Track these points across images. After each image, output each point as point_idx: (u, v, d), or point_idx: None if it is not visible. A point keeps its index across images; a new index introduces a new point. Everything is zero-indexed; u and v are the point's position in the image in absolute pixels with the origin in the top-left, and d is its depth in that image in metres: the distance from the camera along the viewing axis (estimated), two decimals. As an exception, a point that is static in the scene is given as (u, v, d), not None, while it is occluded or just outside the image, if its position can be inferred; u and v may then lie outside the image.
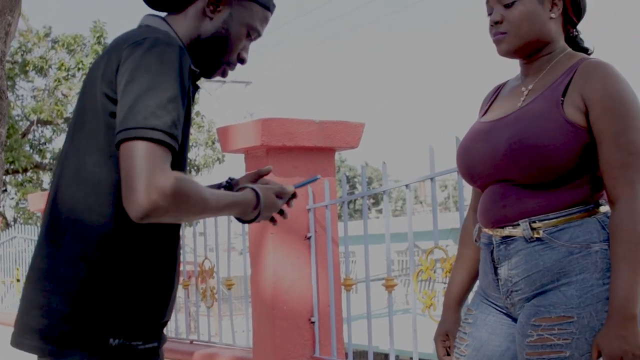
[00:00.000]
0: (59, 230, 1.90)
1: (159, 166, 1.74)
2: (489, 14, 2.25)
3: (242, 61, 2.13)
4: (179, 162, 1.91)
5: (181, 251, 2.10)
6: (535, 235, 2.09)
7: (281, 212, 2.21)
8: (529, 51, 2.22)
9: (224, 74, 2.13)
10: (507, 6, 2.19)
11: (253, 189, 2.06)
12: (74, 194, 1.89)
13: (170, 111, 1.77)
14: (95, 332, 1.86)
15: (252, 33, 2.09)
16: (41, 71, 21.39)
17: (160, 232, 1.94)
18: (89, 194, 1.87)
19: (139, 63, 1.81)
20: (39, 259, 1.94)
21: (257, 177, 2.27)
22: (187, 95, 1.88)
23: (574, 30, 2.29)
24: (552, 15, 2.20)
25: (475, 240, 2.32)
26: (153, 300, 1.95)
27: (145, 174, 1.72)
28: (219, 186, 2.26)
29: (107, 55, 1.90)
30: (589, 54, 2.28)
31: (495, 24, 2.22)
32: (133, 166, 1.73)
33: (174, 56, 1.83)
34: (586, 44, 2.31)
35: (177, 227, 2.02)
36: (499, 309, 2.24)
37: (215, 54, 2.07)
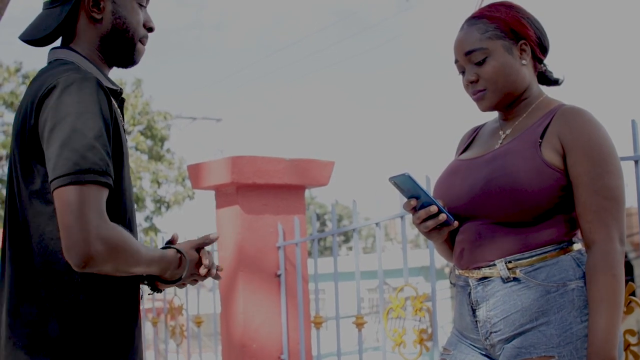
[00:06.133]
0: (32, 281, 1.89)
1: (98, 213, 1.77)
2: (461, 73, 2.28)
3: (150, 30, 2.15)
4: (118, 194, 1.93)
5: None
6: (512, 275, 2.10)
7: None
8: (509, 101, 2.25)
9: (143, 51, 2.15)
10: (479, 63, 2.21)
11: (176, 249, 2.04)
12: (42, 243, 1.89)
13: (99, 149, 1.79)
14: None
15: (142, 1, 2.12)
16: (11, 106, 21.30)
17: (125, 278, 1.96)
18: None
19: (58, 107, 1.82)
20: (13, 310, 1.91)
21: (203, 243, 2.12)
22: (113, 124, 1.90)
23: (542, 65, 2.32)
24: (523, 62, 2.23)
25: (451, 283, 2.32)
26: (123, 339, 1.94)
27: (85, 222, 1.74)
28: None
29: (25, 106, 1.91)
30: (560, 84, 2.33)
31: (471, 83, 2.24)
32: (71, 214, 1.75)
33: (91, 90, 1.85)
34: (555, 75, 2.34)
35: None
36: (478, 349, 2.24)
37: (125, 41, 2.08)
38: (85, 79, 1.86)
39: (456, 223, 2.21)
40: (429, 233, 2.24)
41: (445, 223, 2.21)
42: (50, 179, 1.79)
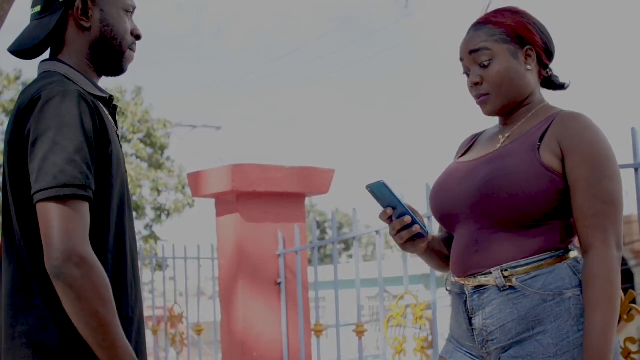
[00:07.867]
0: (29, 291, 1.89)
1: (78, 230, 1.79)
2: (465, 73, 2.27)
3: (138, 37, 2.16)
4: (106, 200, 1.93)
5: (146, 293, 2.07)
6: (509, 284, 2.09)
7: None
8: (513, 106, 2.25)
9: (131, 59, 2.16)
10: (484, 66, 2.21)
11: None
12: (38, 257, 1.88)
13: (79, 163, 1.82)
14: None
15: (129, 9, 2.13)
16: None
17: (117, 282, 1.94)
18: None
19: (39, 121, 1.85)
20: (10, 320, 1.91)
21: None
22: (100, 134, 1.91)
23: (548, 70, 2.31)
24: (528, 67, 2.22)
25: (447, 289, 2.31)
26: None
27: (64, 235, 1.77)
28: None
29: (12, 118, 1.94)
30: (566, 88, 2.32)
31: (474, 85, 2.24)
32: (51, 227, 1.78)
33: (73, 103, 1.86)
34: (561, 80, 2.33)
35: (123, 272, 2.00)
36: (475, 358, 2.23)
37: (113, 49, 2.10)
38: (67, 91, 1.88)
39: (430, 236, 2.19)
40: (404, 245, 2.23)
41: (419, 235, 2.18)
42: (32, 192, 1.82)
